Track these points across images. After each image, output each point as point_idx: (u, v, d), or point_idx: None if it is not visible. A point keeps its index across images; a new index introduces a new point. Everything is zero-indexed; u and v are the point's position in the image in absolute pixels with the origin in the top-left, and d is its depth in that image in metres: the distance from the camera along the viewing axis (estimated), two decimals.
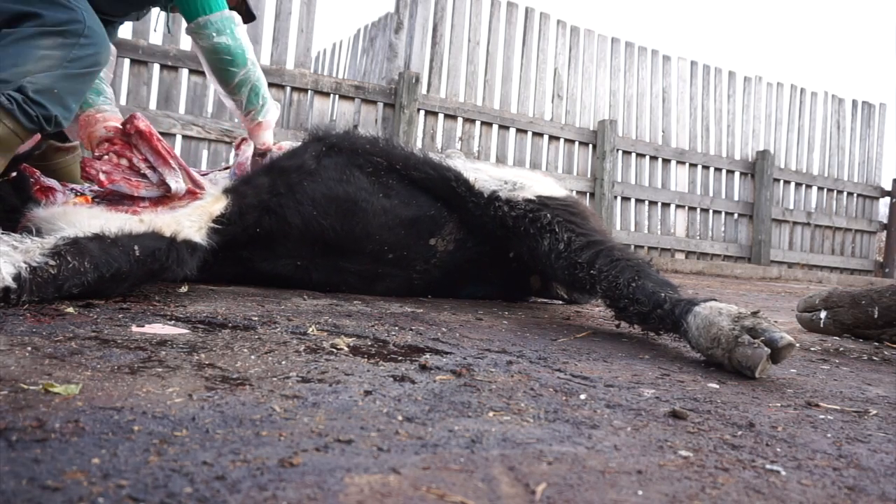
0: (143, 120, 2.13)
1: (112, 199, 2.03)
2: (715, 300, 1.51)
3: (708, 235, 7.60)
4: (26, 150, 1.96)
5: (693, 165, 7.47)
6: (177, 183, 2.05)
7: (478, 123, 6.27)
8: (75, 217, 1.68)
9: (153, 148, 2.08)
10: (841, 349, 1.87)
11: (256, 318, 1.56)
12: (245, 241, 2.08)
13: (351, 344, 1.35)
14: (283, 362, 1.13)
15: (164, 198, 2.06)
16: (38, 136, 2.02)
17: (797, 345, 1.33)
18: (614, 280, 1.71)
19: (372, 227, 2.18)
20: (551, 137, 6.67)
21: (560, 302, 2.57)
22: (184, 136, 5.02)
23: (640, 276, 1.68)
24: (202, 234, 1.85)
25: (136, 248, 1.63)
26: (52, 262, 1.45)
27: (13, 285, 1.38)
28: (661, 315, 1.56)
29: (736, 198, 7.74)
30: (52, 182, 2.04)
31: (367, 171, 2.26)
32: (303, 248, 2.17)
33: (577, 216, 2.02)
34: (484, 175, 2.27)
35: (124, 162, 2.05)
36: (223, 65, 2.34)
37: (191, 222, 1.83)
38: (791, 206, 8.14)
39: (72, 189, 2.07)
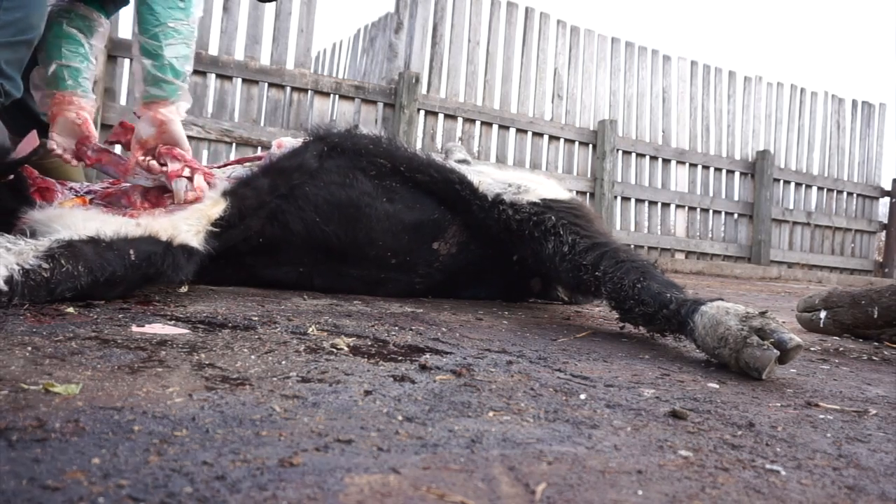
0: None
1: (109, 201, 2.03)
2: (722, 300, 1.50)
3: (708, 235, 7.60)
4: (26, 153, 1.95)
5: (693, 165, 7.46)
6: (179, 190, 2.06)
7: (478, 123, 6.27)
8: (71, 219, 1.67)
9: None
10: (841, 349, 1.87)
11: (256, 318, 1.56)
12: (246, 250, 2.07)
13: (351, 344, 1.35)
14: (283, 362, 1.13)
15: (163, 199, 2.06)
16: (36, 140, 2.01)
17: (805, 346, 1.33)
18: (619, 281, 1.71)
19: (375, 232, 2.17)
20: (551, 137, 6.67)
21: (560, 303, 2.57)
22: None
23: (645, 278, 1.68)
24: (199, 239, 1.83)
25: (131, 251, 1.62)
26: (45, 265, 1.43)
27: (4, 288, 1.36)
28: (666, 315, 1.56)
29: (736, 198, 7.74)
30: (50, 182, 2.03)
31: (370, 173, 2.25)
32: (305, 256, 2.16)
33: (581, 219, 2.02)
34: (488, 178, 2.26)
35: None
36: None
37: (188, 226, 1.82)
38: (791, 206, 8.14)
39: (70, 188, 2.07)
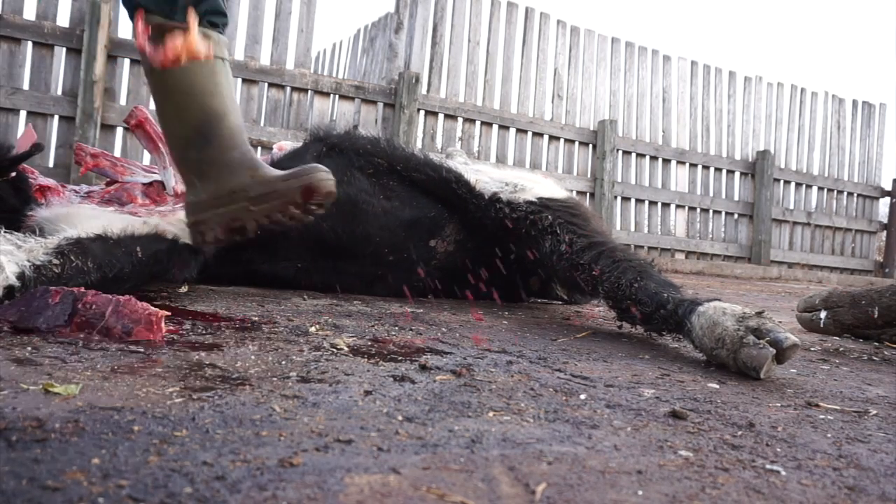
0: (142, 110, 2.16)
1: (112, 198, 2.04)
2: (719, 300, 1.50)
3: (708, 235, 7.60)
4: (25, 149, 1.96)
5: (693, 165, 7.46)
6: (168, 181, 2.08)
7: (478, 123, 6.27)
8: (77, 218, 1.68)
9: (147, 133, 2.11)
10: (841, 349, 1.87)
11: (256, 318, 1.56)
12: (245, 242, 2.08)
13: (351, 344, 1.35)
14: (283, 362, 1.13)
15: (163, 195, 2.07)
16: (34, 136, 2.01)
17: (802, 345, 1.33)
18: (616, 281, 1.71)
19: (372, 228, 2.18)
20: (551, 137, 6.67)
21: (559, 303, 2.57)
22: None
23: (642, 277, 1.68)
24: None
25: (138, 249, 1.63)
26: (55, 261, 1.45)
27: (17, 284, 1.38)
28: (664, 315, 1.56)
29: (736, 198, 7.74)
30: (51, 181, 2.04)
31: (367, 172, 2.26)
32: (303, 251, 2.17)
33: (578, 217, 2.02)
34: (485, 177, 2.27)
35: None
36: None
37: None
38: (791, 206, 8.14)
39: (72, 190, 2.08)
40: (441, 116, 6.09)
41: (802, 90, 8.22)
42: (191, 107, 1.61)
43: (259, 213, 1.57)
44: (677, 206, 7.39)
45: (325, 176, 1.61)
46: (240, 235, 1.60)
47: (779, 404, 1.12)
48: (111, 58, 4.76)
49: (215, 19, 1.63)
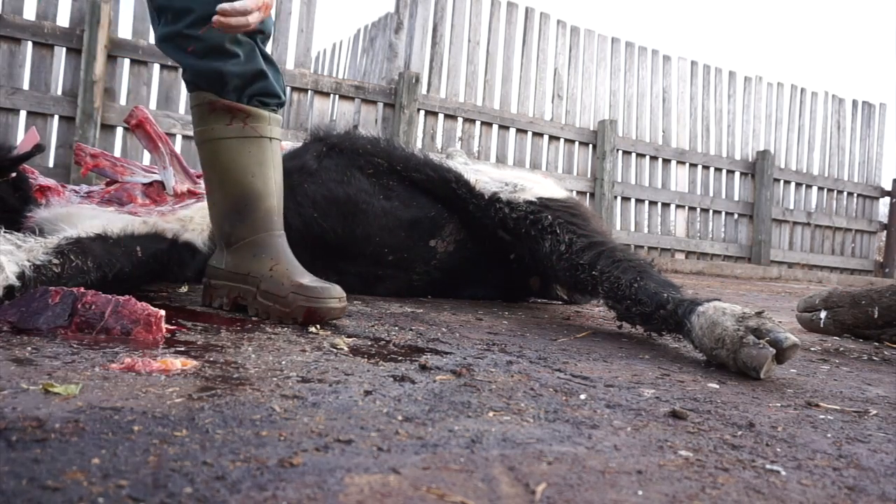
0: (142, 110, 2.15)
1: (112, 198, 2.04)
2: (718, 300, 1.50)
3: (708, 235, 7.59)
4: (27, 149, 1.96)
5: (693, 165, 7.46)
6: (168, 181, 2.08)
7: (478, 123, 6.26)
8: (77, 217, 1.69)
9: (147, 133, 2.11)
10: (841, 349, 1.87)
11: (256, 318, 1.56)
12: None
13: (351, 344, 1.35)
14: (283, 362, 1.13)
15: (163, 195, 2.07)
16: (36, 137, 2.01)
17: (801, 345, 1.33)
18: (616, 281, 1.71)
19: (372, 228, 2.18)
20: (551, 137, 6.66)
21: (559, 303, 2.57)
22: (184, 136, 5.02)
23: (642, 277, 1.68)
24: (204, 238, 1.85)
25: (138, 248, 1.64)
26: (55, 261, 1.46)
27: (17, 283, 1.38)
28: (663, 315, 1.56)
29: (736, 198, 7.74)
30: (51, 182, 2.04)
31: (367, 172, 2.26)
32: (303, 250, 2.17)
33: (578, 217, 2.02)
34: (485, 177, 2.27)
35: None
36: None
37: (193, 225, 1.84)
38: (791, 206, 8.14)
39: (72, 190, 2.08)
40: (441, 116, 6.08)
41: (802, 90, 8.21)
42: (231, 182, 1.63)
43: (261, 307, 1.57)
44: (677, 206, 7.39)
45: (335, 305, 1.52)
46: (244, 313, 1.61)
47: (779, 404, 1.12)
48: (111, 58, 4.76)
49: (267, 100, 1.65)
